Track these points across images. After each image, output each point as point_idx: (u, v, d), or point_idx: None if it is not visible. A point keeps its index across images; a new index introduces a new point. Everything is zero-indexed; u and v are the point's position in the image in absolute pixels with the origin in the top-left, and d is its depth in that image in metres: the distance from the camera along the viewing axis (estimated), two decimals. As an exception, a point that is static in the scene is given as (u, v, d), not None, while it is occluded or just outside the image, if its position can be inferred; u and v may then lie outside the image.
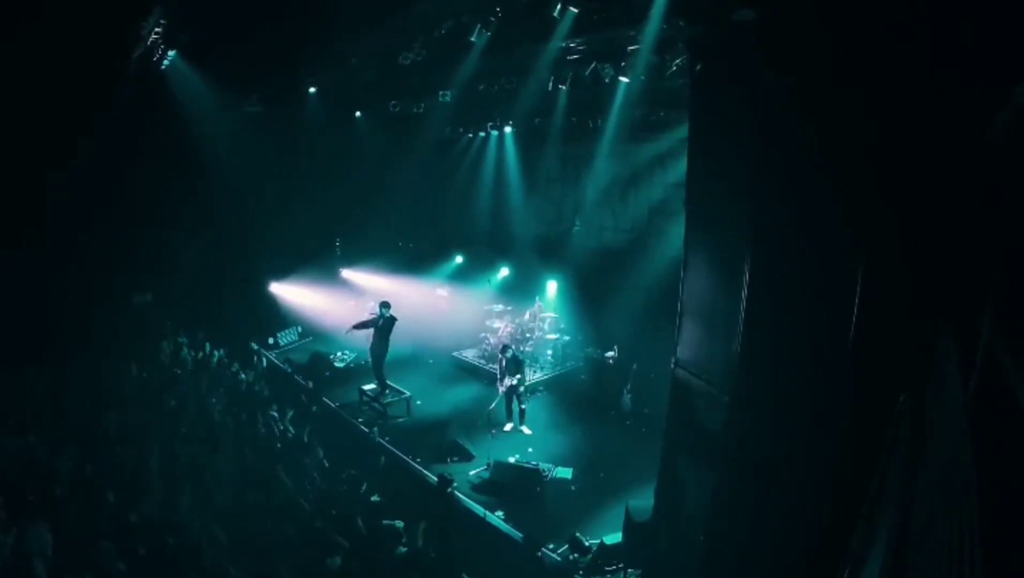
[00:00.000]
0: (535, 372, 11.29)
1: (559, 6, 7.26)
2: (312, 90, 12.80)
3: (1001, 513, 1.38)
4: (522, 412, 9.55)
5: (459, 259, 15.22)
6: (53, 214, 11.67)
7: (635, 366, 9.98)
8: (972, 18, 3.30)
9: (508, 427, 9.47)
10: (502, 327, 11.45)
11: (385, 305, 10.62)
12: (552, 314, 12.87)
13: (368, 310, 10.75)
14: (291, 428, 8.46)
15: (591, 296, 12.11)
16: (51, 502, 6.15)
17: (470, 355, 12.10)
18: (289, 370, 11.83)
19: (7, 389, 9.20)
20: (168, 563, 5.46)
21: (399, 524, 5.93)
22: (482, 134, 14.52)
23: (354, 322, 10.64)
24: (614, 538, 6.56)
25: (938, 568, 1.55)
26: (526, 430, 9.44)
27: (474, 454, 8.60)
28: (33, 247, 11.64)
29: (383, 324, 10.44)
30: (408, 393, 10.57)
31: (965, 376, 2.10)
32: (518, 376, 9.44)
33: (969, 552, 1.34)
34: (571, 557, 6.47)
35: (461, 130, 14.60)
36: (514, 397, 9.49)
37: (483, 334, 12.08)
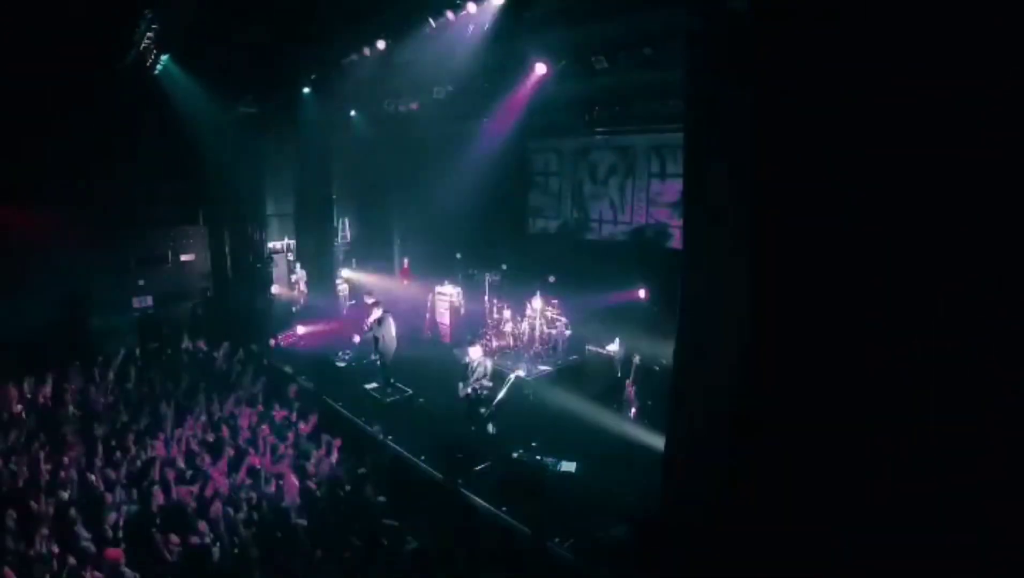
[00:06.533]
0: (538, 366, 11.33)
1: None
2: (306, 90, 12.76)
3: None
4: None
5: (458, 256, 15.20)
6: (50, 217, 11.68)
7: (637, 359, 9.96)
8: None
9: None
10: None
11: (375, 303, 10.64)
12: (553, 309, 12.86)
13: (365, 310, 10.78)
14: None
15: (591, 289, 12.09)
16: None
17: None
18: (291, 371, 11.82)
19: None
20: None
21: None
22: (478, 128, 14.46)
23: (364, 327, 10.70)
24: (620, 531, 6.57)
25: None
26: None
27: (478, 450, 8.60)
28: (28, 253, 11.68)
29: (379, 322, 10.47)
30: (411, 391, 10.57)
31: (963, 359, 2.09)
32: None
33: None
34: (578, 549, 6.48)
35: (457, 125, 14.52)
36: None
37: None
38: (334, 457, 7.91)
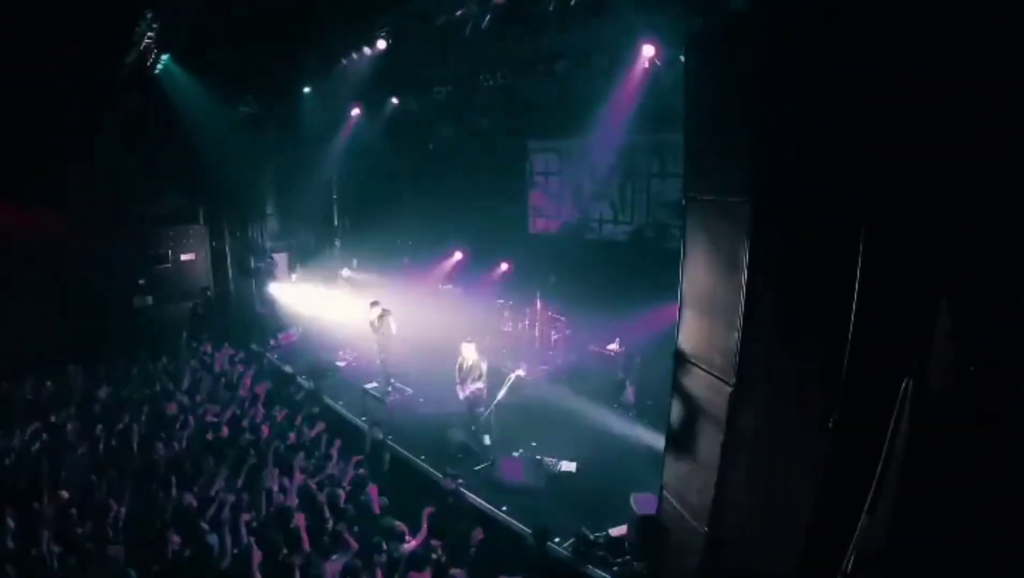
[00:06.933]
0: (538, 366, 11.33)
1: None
2: (306, 89, 12.77)
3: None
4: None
5: (459, 255, 15.22)
6: (49, 216, 11.68)
7: (637, 358, 9.97)
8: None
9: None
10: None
11: (374, 304, 10.63)
12: (553, 309, 12.87)
13: (368, 314, 10.77)
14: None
15: (592, 289, 12.10)
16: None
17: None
18: (291, 371, 11.83)
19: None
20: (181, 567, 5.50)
21: None
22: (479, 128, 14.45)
23: (371, 331, 10.69)
24: (620, 530, 6.59)
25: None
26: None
27: (478, 450, 8.62)
28: (27, 252, 11.68)
29: (378, 323, 10.47)
30: (411, 391, 10.58)
31: (965, 359, 2.09)
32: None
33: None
34: (578, 550, 6.49)
35: (456, 124, 14.51)
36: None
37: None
38: (334, 458, 7.92)
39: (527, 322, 12.69)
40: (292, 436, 8.35)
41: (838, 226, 3.86)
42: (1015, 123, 3.11)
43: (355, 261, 16.58)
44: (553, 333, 12.22)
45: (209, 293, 14.89)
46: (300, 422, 8.85)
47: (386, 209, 16.45)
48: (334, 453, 8.03)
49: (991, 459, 2.83)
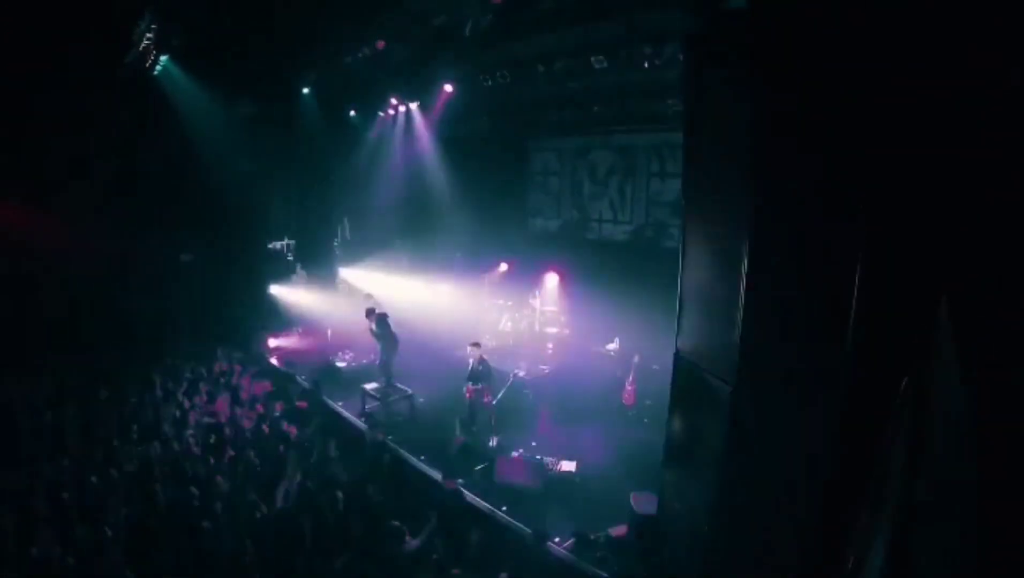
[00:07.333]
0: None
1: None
2: (305, 90, 12.76)
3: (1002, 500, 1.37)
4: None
5: (458, 254, 15.21)
6: (49, 217, 11.67)
7: (637, 358, 9.97)
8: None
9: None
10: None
11: (369, 311, 10.60)
12: (552, 307, 12.87)
13: (367, 322, 10.71)
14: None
15: (591, 289, 12.11)
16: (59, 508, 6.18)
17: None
18: (290, 371, 11.83)
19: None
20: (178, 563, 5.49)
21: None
22: (479, 128, 14.45)
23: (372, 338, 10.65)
24: (619, 530, 6.58)
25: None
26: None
27: (477, 450, 8.61)
28: (27, 253, 11.67)
29: (378, 328, 10.45)
30: (410, 391, 10.57)
31: (965, 358, 2.09)
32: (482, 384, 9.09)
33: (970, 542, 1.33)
34: (578, 550, 6.49)
35: (456, 124, 14.49)
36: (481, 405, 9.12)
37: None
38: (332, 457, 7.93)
39: (526, 322, 12.69)
40: (290, 435, 8.35)
41: (838, 226, 3.85)
42: (1015, 123, 3.10)
43: (355, 262, 16.50)
44: (552, 332, 12.21)
45: (209, 293, 14.82)
46: (298, 422, 8.84)
47: (385, 210, 16.44)
48: (331, 453, 8.03)
49: (991, 459, 2.83)
